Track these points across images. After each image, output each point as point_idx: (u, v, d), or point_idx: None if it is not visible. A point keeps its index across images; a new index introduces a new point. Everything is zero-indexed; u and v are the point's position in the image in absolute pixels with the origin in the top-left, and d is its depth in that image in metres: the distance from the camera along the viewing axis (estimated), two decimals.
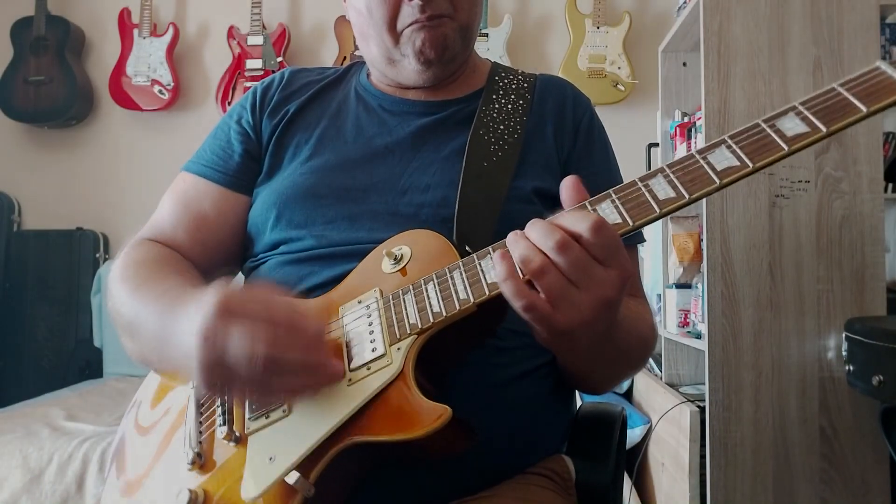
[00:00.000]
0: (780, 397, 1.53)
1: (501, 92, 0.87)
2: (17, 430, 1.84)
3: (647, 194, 0.56)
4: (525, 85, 0.89)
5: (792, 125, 0.54)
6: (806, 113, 0.54)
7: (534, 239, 0.53)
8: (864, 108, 0.52)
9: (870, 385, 1.33)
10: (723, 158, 0.54)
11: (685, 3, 2.01)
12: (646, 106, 2.63)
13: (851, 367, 1.41)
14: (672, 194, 0.55)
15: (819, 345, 1.53)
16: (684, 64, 2.21)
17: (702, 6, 1.62)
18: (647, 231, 2.57)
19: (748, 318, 1.54)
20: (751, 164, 0.53)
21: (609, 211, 0.56)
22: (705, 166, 0.55)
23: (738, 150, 0.54)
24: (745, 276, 1.55)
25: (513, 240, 0.54)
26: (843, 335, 1.45)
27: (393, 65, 0.84)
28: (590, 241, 0.52)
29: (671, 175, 0.56)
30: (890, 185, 2.12)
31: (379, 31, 0.81)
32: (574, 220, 0.53)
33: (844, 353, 1.45)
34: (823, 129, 0.53)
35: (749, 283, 1.54)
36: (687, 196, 0.54)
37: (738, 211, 1.55)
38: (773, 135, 0.54)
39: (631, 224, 0.55)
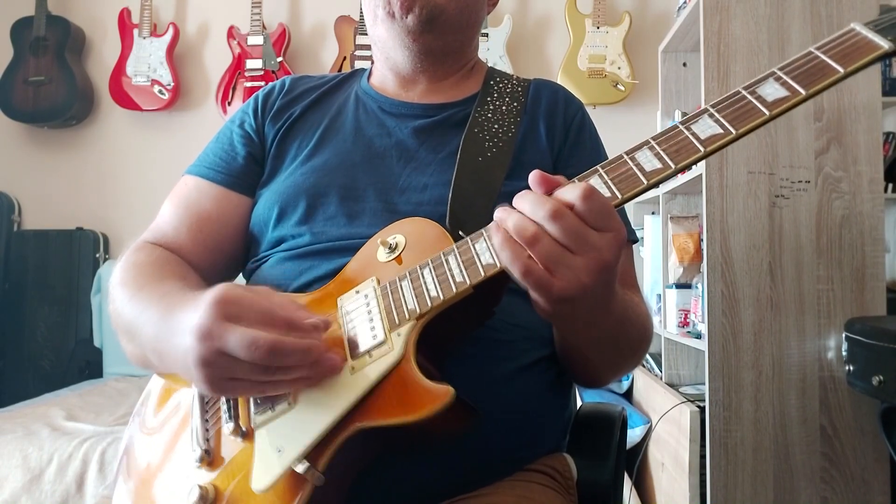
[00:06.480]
0: (780, 397, 1.53)
1: (496, 95, 0.88)
2: (17, 430, 1.84)
3: (633, 167, 0.57)
4: (519, 88, 0.90)
5: (772, 90, 0.55)
6: (785, 78, 0.54)
7: (526, 211, 0.54)
8: (841, 70, 0.53)
9: (870, 385, 1.33)
10: (706, 127, 0.55)
11: (685, 3, 2.01)
12: (646, 106, 2.63)
13: (851, 367, 1.41)
14: (658, 165, 0.56)
15: (819, 345, 1.53)
16: (684, 64, 2.21)
17: (702, 6, 1.62)
18: (647, 231, 2.54)
19: (748, 318, 1.54)
20: (734, 131, 0.54)
21: (597, 186, 0.57)
22: (689, 136, 0.56)
23: (721, 119, 0.55)
24: (745, 276, 1.55)
25: (505, 212, 0.55)
26: (844, 335, 1.45)
27: (388, 32, 0.85)
28: (581, 208, 0.53)
29: (657, 147, 0.57)
30: (890, 185, 2.13)
31: None
32: (564, 190, 0.54)
33: (844, 353, 1.45)
34: (803, 92, 0.53)
35: (749, 283, 1.55)
36: (673, 166, 0.55)
37: (738, 211, 1.55)
38: (755, 101, 0.55)
39: (620, 197, 0.56)
